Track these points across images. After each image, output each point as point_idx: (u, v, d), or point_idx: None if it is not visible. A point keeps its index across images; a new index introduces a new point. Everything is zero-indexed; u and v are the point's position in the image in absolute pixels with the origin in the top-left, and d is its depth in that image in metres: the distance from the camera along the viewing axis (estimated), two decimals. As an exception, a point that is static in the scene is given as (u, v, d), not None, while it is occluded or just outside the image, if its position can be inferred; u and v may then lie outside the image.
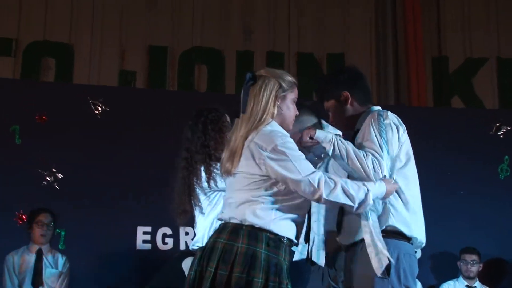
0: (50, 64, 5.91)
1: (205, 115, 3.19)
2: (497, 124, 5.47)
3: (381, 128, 2.61)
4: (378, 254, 2.49)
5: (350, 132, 2.81)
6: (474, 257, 4.88)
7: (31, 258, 4.45)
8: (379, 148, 2.56)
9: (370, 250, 2.50)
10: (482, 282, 4.93)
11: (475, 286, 4.92)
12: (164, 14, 6.34)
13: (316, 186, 2.36)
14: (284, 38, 6.52)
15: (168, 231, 5.08)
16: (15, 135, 5.05)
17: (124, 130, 5.29)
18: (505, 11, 6.69)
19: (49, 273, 4.42)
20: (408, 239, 2.63)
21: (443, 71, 6.59)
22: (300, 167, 2.38)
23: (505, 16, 6.68)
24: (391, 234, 2.58)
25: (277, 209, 2.42)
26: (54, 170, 5.00)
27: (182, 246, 5.11)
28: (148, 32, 6.30)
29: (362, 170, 2.51)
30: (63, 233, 4.86)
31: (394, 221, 2.57)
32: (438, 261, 5.09)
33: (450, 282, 4.96)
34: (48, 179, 4.99)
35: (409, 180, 2.69)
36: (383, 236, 2.54)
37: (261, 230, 2.41)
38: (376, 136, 2.58)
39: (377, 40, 6.63)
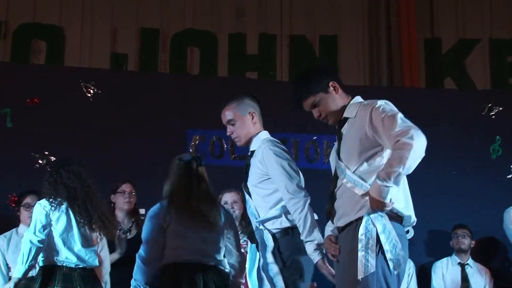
0: (41, 46, 5.84)
1: None
2: (489, 105, 5.50)
3: (392, 108, 2.63)
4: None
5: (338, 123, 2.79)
6: (465, 230, 4.94)
7: (20, 240, 4.44)
8: (406, 121, 2.55)
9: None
10: (475, 259, 4.98)
11: (468, 263, 4.97)
12: (155, -5, 6.29)
13: None
14: (277, 20, 6.49)
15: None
16: (6, 118, 5.02)
17: (116, 113, 5.28)
18: (498, -8, 6.69)
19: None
20: (400, 219, 2.63)
21: (435, 53, 6.58)
22: None
23: (498, -3, 6.69)
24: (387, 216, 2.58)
25: None
26: (46, 153, 4.99)
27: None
28: (139, 14, 6.24)
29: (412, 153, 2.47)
30: (56, 215, 4.86)
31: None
32: (431, 240, 5.13)
33: (443, 260, 5.01)
34: (41, 162, 4.98)
35: None
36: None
37: None
38: (396, 116, 2.57)
39: (369, 22, 6.61)
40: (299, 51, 6.42)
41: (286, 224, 3.01)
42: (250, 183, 3.13)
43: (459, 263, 4.95)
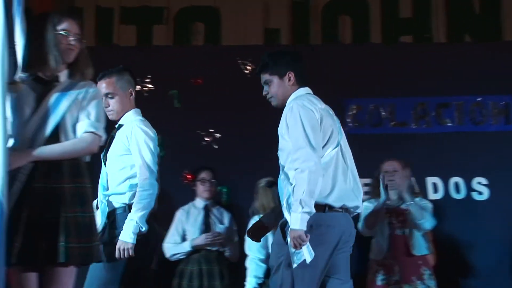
0: (199, 28, 6.10)
1: None
2: None
3: (299, 121, 2.86)
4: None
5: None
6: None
7: (199, 212, 4.75)
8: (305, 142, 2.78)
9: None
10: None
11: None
12: (304, -33, 6.26)
13: None
14: (432, -24, 6.15)
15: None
16: (174, 99, 5.36)
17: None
18: None
19: (218, 228, 4.69)
20: (322, 207, 2.81)
21: None
22: None
23: None
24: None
25: None
26: (211, 130, 5.25)
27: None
28: (290, -13, 6.27)
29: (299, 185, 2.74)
30: (224, 190, 5.11)
31: None
32: None
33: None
34: (207, 139, 5.25)
35: (325, 154, 2.88)
36: None
37: None
38: (299, 132, 2.84)
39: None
40: (457, 9, 6.06)
41: (128, 201, 3.11)
42: (113, 153, 3.19)
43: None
